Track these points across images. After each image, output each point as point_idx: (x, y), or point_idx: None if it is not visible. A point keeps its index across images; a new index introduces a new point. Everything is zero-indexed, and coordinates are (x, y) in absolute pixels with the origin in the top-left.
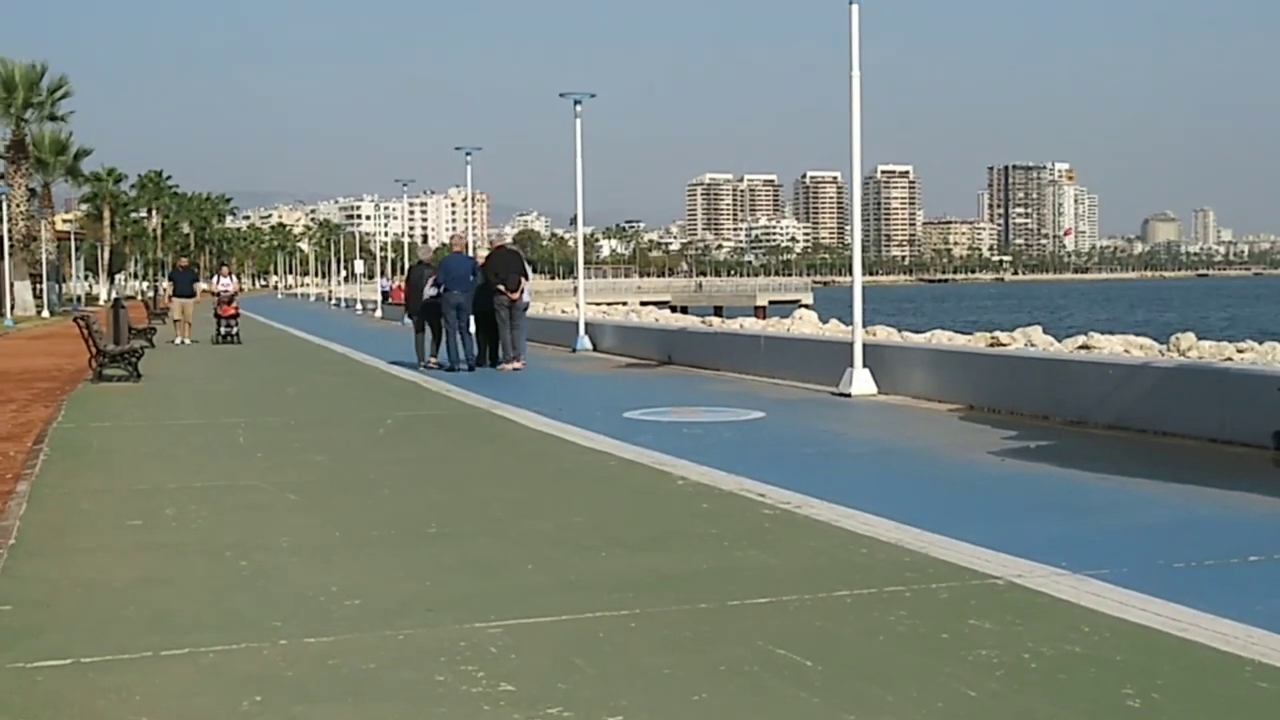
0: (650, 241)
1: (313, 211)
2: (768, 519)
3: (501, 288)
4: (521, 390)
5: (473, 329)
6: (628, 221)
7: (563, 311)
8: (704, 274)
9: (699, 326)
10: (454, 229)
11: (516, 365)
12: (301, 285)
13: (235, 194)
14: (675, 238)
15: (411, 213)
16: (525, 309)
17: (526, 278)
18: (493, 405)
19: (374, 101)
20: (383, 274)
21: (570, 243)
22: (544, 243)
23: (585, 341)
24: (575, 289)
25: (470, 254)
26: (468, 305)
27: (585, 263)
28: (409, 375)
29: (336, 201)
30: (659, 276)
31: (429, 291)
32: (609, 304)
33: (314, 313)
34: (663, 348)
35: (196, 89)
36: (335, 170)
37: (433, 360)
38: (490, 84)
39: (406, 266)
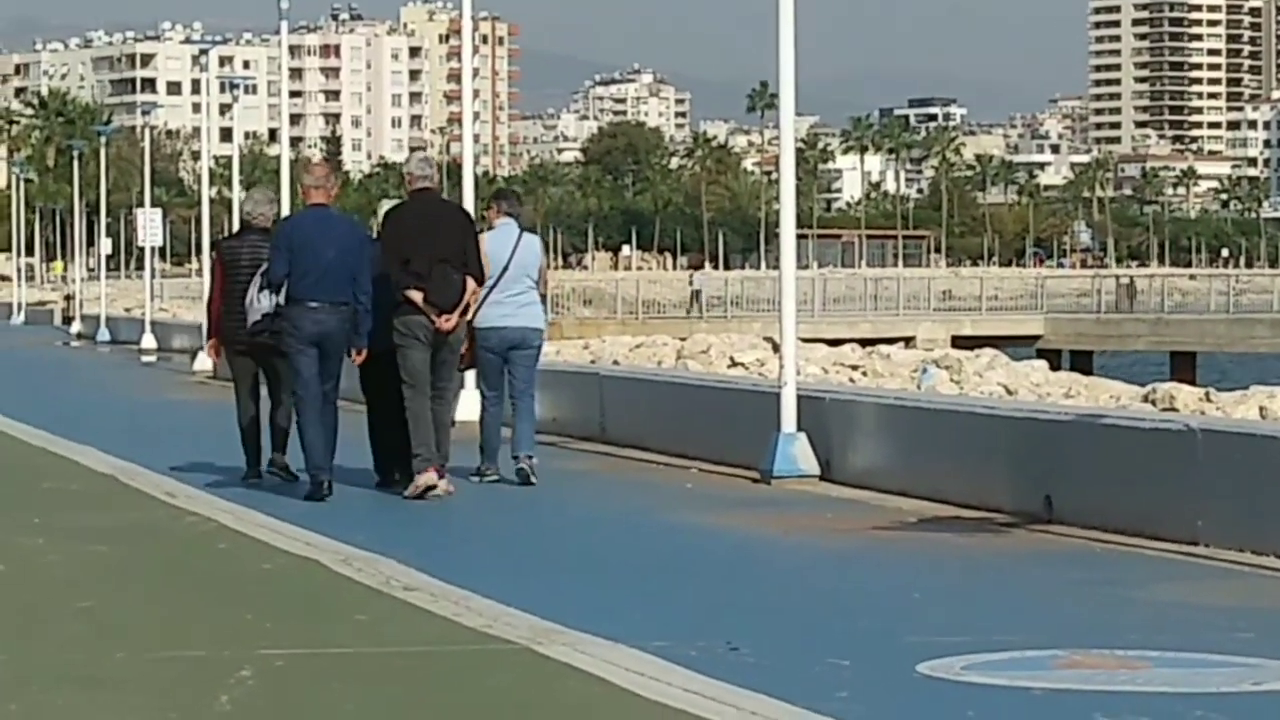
0: (984, 160)
1: (18, 75)
2: None
3: (415, 297)
4: (612, 574)
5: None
6: (921, 106)
7: (733, 364)
8: (1139, 258)
9: (1134, 415)
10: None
11: (435, 484)
12: None
13: None
14: (1058, 147)
15: (299, 76)
16: (534, 351)
17: (480, 276)
18: (542, 626)
19: None
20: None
21: (751, 161)
22: (669, 159)
23: (799, 452)
24: (775, 302)
25: (385, 214)
26: (340, 339)
27: (803, 226)
28: (291, 533)
29: (88, 43)
30: (1010, 263)
31: (259, 303)
32: (865, 342)
33: (29, 358)
34: (1030, 474)
35: None
36: None
37: (280, 462)
38: None
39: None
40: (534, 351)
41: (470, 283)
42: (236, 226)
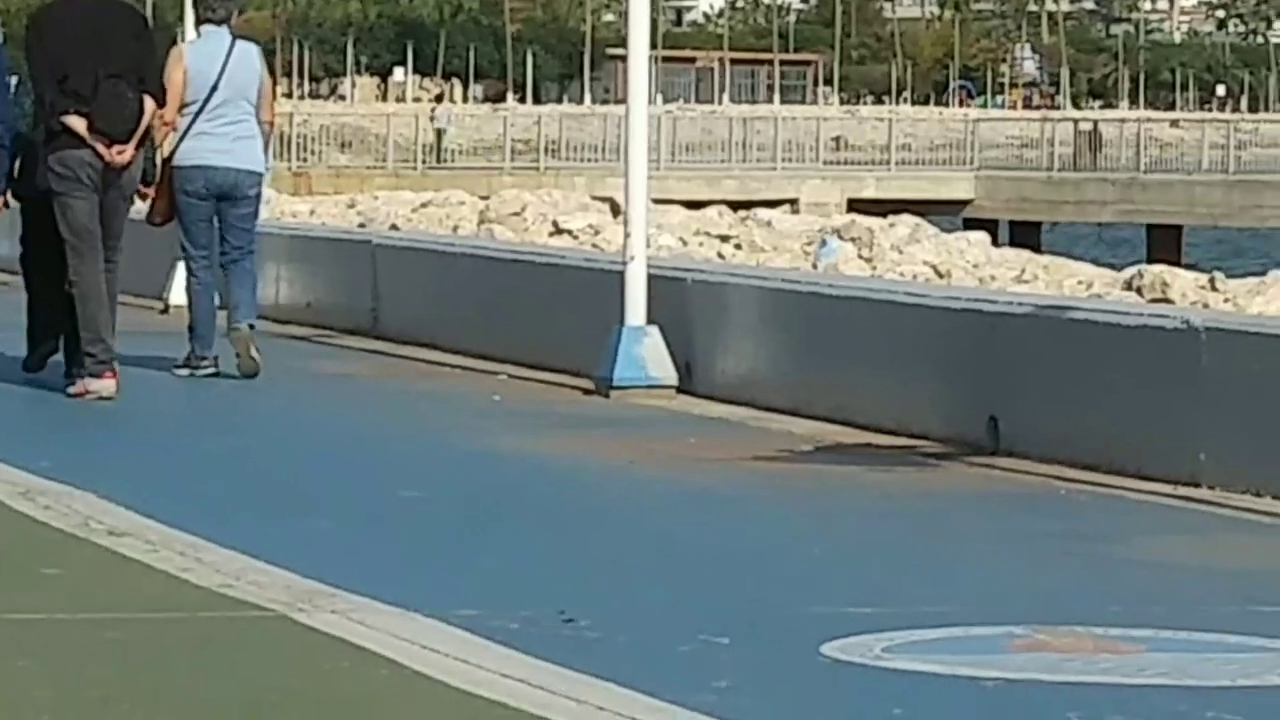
0: None
1: None
2: None
3: (76, 125)
4: (394, 519)
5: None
6: None
7: (557, 231)
8: (1103, 97)
9: (1113, 307)
10: None
11: (112, 394)
12: None
13: None
14: None
15: None
16: (252, 202)
17: (160, 96)
18: (302, 586)
19: None
20: None
21: None
22: None
23: (650, 353)
24: (610, 148)
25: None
26: None
27: (659, 48)
28: None
29: None
30: (927, 101)
31: None
32: (732, 205)
33: None
34: (970, 387)
35: None
36: None
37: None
38: None
39: None
40: (252, 202)
41: (150, 103)
42: None
